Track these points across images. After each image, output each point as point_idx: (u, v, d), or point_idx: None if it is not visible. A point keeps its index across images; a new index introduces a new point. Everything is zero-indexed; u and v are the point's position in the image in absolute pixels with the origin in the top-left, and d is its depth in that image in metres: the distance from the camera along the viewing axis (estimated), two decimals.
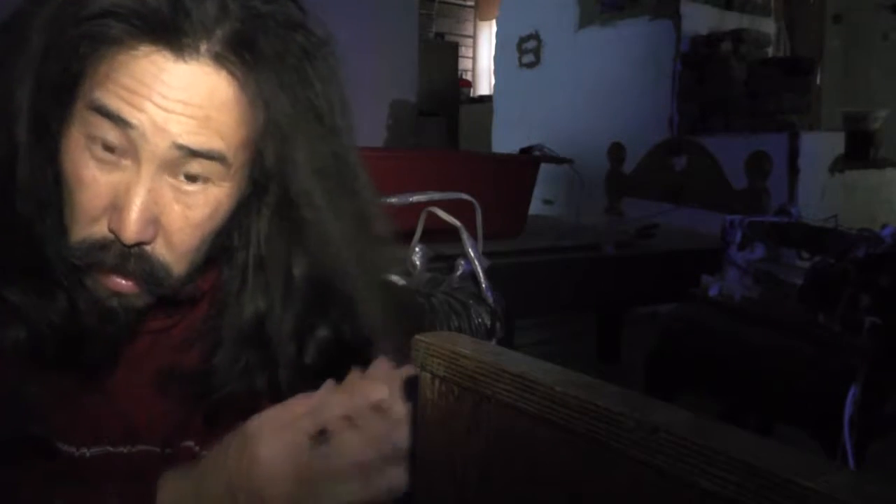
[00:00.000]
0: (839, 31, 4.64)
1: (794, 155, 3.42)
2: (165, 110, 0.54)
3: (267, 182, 0.61)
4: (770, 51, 4.14)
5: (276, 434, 0.52)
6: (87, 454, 0.60)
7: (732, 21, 4.11)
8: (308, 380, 0.61)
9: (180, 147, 0.55)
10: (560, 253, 2.14)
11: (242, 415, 0.59)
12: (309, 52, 0.59)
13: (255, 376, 0.62)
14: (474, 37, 8.79)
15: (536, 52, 4.90)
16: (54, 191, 0.57)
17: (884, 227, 1.51)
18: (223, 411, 0.62)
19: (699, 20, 4.02)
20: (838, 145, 3.60)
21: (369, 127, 3.56)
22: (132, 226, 0.54)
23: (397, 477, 0.54)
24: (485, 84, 8.17)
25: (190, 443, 0.64)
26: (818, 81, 3.83)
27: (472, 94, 7.94)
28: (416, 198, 1.21)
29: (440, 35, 8.18)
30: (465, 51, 8.45)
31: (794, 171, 3.42)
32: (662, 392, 1.72)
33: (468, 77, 8.49)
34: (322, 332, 0.63)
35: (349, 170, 0.65)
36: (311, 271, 0.62)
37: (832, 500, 0.31)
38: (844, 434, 1.29)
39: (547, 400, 0.42)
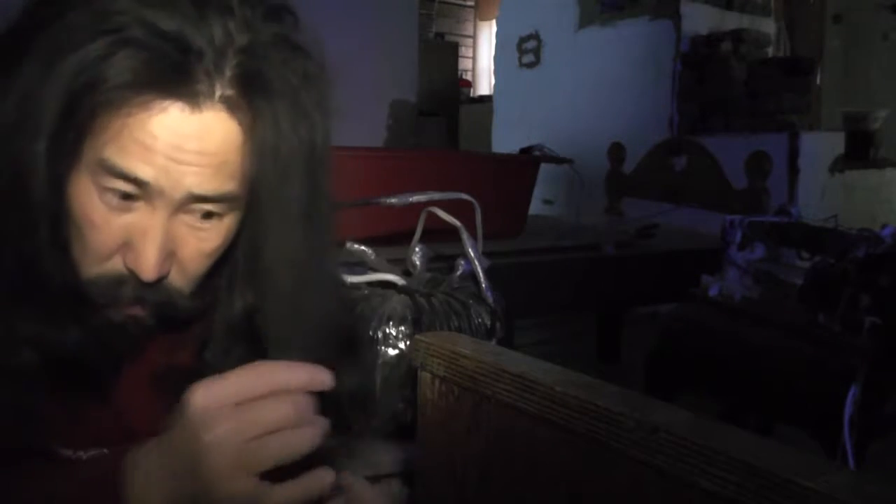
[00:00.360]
0: (839, 31, 4.64)
1: (794, 155, 3.42)
2: (180, 163, 0.54)
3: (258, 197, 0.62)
4: (770, 51, 4.14)
5: (218, 419, 0.51)
6: (84, 457, 0.60)
7: (732, 21, 4.11)
8: None
9: (196, 196, 0.56)
10: (560, 253, 2.13)
11: None
12: (309, 76, 0.59)
13: None
14: (474, 37, 8.79)
15: (536, 52, 4.90)
16: (63, 228, 0.56)
17: (884, 227, 1.51)
18: None
19: (699, 20, 4.02)
20: (838, 145, 3.60)
21: (369, 127, 3.56)
22: (152, 267, 0.55)
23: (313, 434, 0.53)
24: (485, 84, 8.17)
25: None
26: (818, 81, 3.83)
27: (472, 94, 7.94)
28: (416, 198, 1.21)
29: (440, 35, 8.18)
30: (465, 51, 8.45)
31: (794, 171, 3.42)
32: (662, 392, 1.72)
33: (468, 77, 8.49)
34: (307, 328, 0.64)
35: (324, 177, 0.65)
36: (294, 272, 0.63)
37: (832, 500, 0.31)
38: (844, 434, 1.29)
39: (547, 400, 0.42)
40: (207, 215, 0.58)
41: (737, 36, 3.91)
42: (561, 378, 0.44)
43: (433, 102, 6.06)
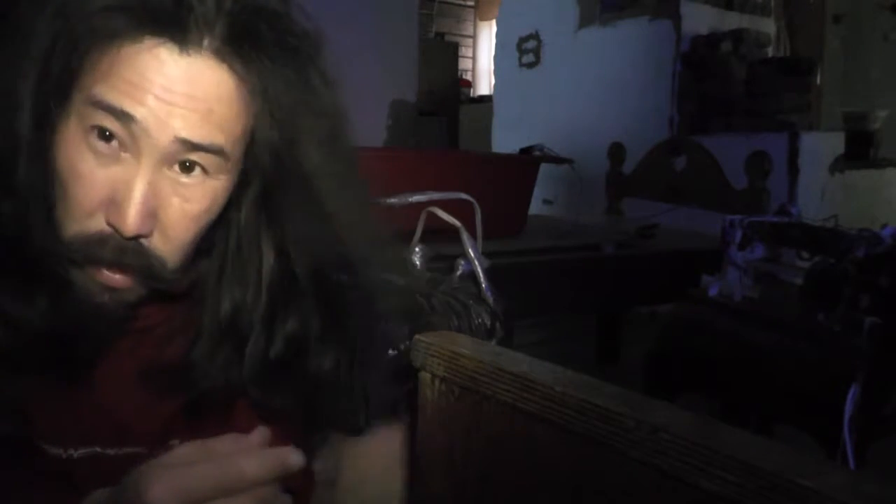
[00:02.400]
0: (839, 31, 4.64)
1: (794, 155, 3.42)
2: (168, 104, 0.54)
3: (252, 173, 0.61)
4: (770, 51, 4.14)
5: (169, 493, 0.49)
6: (75, 455, 0.59)
7: (732, 21, 4.11)
8: (275, 373, 0.62)
9: (182, 141, 0.55)
10: (560, 253, 2.13)
11: (222, 409, 0.59)
12: (303, 43, 0.60)
13: (233, 370, 0.62)
14: (474, 37, 8.79)
15: (536, 52, 4.90)
16: (45, 186, 0.56)
17: (884, 227, 1.51)
18: (204, 405, 0.62)
19: (699, 20, 4.02)
20: (838, 145, 3.60)
21: (369, 127, 3.56)
22: (132, 219, 0.54)
23: None
24: (485, 84, 8.17)
25: (175, 441, 0.63)
26: (818, 81, 3.83)
27: (472, 94, 7.94)
28: (416, 198, 1.21)
29: (440, 35, 8.18)
30: (465, 51, 8.45)
31: (794, 171, 3.42)
32: (662, 392, 1.72)
33: (468, 77, 8.49)
34: (291, 326, 0.63)
35: (350, 153, 0.65)
36: (284, 264, 0.62)
37: (832, 500, 0.31)
38: (844, 434, 1.29)
39: (547, 400, 0.42)
40: (193, 171, 0.57)
41: (737, 36, 3.92)
42: (561, 378, 0.44)
43: (433, 102, 6.06)
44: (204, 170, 0.57)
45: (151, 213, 0.56)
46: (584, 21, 4.54)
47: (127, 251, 0.56)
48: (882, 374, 1.36)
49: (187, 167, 0.57)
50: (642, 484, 0.39)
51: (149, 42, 0.53)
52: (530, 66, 4.95)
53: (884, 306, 1.38)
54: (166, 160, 0.56)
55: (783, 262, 1.68)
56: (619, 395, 0.42)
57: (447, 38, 8.20)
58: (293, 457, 0.51)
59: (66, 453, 0.59)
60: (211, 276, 0.64)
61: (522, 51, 5.00)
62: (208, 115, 0.55)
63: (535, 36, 4.90)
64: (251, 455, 0.51)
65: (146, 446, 0.61)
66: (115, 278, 0.57)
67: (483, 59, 8.42)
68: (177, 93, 0.54)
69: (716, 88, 3.86)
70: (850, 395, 1.31)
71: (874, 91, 4.47)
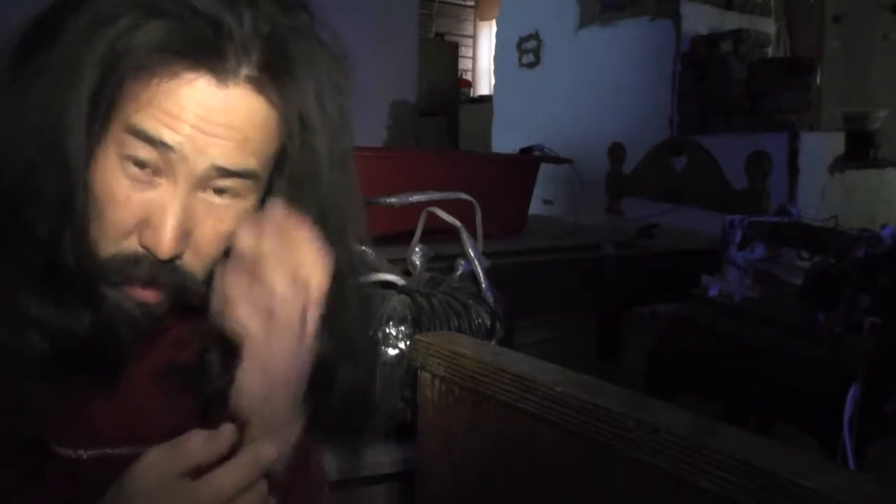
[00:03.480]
0: (839, 31, 4.64)
1: (794, 155, 3.42)
2: (206, 134, 0.55)
3: (275, 183, 0.63)
4: (770, 51, 4.14)
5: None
6: (84, 456, 0.60)
7: (732, 21, 4.11)
8: None
9: (218, 168, 0.56)
10: (560, 253, 2.13)
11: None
12: (329, 58, 0.61)
13: None
14: (474, 37, 8.79)
15: (536, 52, 4.90)
16: (82, 206, 0.56)
17: (884, 227, 1.51)
18: (218, 406, 0.62)
19: (699, 20, 4.02)
20: (838, 145, 3.60)
21: (369, 127, 3.56)
22: (168, 243, 0.56)
23: None
24: (485, 84, 8.17)
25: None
26: (818, 81, 3.83)
27: (472, 94, 7.94)
28: (416, 198, 1.21)
29: (440, 35, 8.18)
30: (465, 51, 8.45)
31: (794, 171, 3.42)
32: (662, 392, 1.72)
33: (468, 77, 8.49)
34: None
35: (350, 159, 0.66)
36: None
37: (832, 500, 0.31)
38: (844, 434, 1.29)
39: (547, 400, 0.42)
40: (226, 193, 0.58)
41: (737, 36, 3.92)
42: (561, 378, 0.44)
43: (433, 102, 6.06)
44: (236, 192, 0.59)
45: (185, 235, 0.57)
46: (584, 21, 4.54)
47: (161, 270, 0.57)
48: (882, 374, 1.36)
49: (220, 190, 0.58)
50: (642, 484, 0.39)
51: (188, 75, 0.54)
52: (530, 66, 4.96)
53: (884, 306, 1.38)
54: (201, 185, 0.57)
55: (783, 262, 1.68)
56: (619, 395, 0.42)
57: (447, 38, 8.20)
58: (265, 450, 0.52)
59: (76, 454, 0.60)
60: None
61: (522, 51, 5.00)
62: (244, 142, 0.57)
63: (535, 36, 4.90)
64: (227, 467, 0.51)
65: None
66: (148, 294, 0.58)
67: (483, 59, 8.42)
68: (214, 122, 0.55)
69: (716, 88, 3.86)
70: (850, 395, 1.31)
71: (874, 91, 4.47)
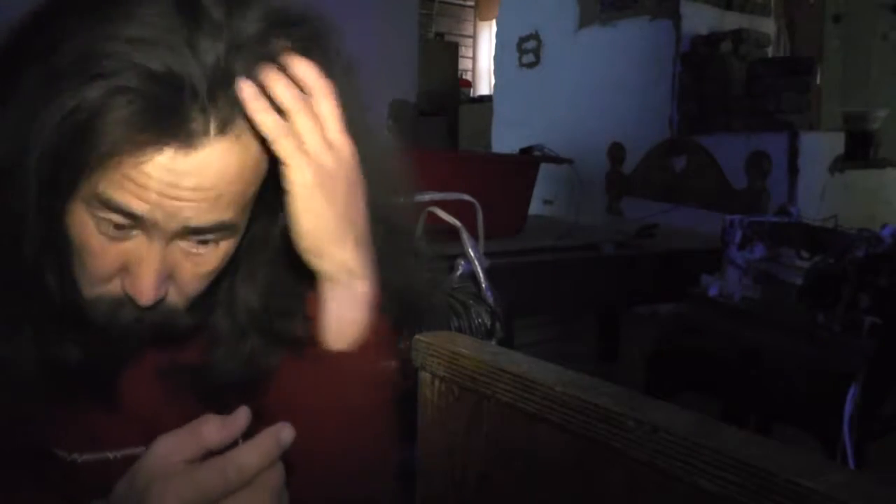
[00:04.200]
0: (839, 31, 4.64)
1: (793, 155, 3.42)
2: (176, 199, 0.54)
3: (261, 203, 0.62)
4: (770, 51, 4.14)
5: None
6: (79, 460, 0.60)
7: (732, 21, 4.11)
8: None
9: (191, 229, 0.56)
10: (560, 253, 2.13)
11: (245, 402, 0.60)
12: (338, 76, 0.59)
13: (260, 361, 0.63)
14: (474, 37, 8.79)
15: (536, 52, 4.90)
16: (61, 252, 0.57)
17: (884, 227, 1.51)
18: (222, 405, 0.62)
19: (699, 20, 4.02)
20: (838, 145, 3.60)
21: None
22: (148, 292, 0.56)
23: None
24: (485, 84, 8.17)
25: None
26: (818, 81, 3.83)
27: (472, 94, 7.94)
28: (416, 198, 1.21)
29: (440, 35, 8.18)
30: (465, 51, 8.45)
31: (793, 171, 3.42)
32: (662, 392, 1.72)
33: (468, 77, 8.49)
34: (298, 323, 0.64)
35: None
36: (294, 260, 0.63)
37: (832, 500, 0.31)
38: (844, 434, 1.29)
39: (547, 400, 0.42)
40: (204, 242, 0.58)
41: (737, 36, 3.92)
42: (561, 378, 0.44)
43: (433, 102, 6.05)
44: (214, 240, 0.58)
45: (166, 280, 0.57)
46: (584, 21, 4.54)
47: (145, 312, 0.58)
48: (882, 374, 1.36)
49: (198, 241, 0.58)
50: (642, 484, 0.39)
51: (153, 147, 0.52)
52: (530, 66, 4.95)
53: (884, 306, 1.38)
54: (177, 236, 0.57)
55: (783, 262, 1.68)
56: (619, 395, 0.42)
57: (447, 38, 8.20)
58: (286, 432, 0.52)
59: (71, 457, 0.60)
60: (225, 279, 0.64)
61: (522, 51, 5.00)
62: (217, 200, 0.55)
63: (535, 36, 4.90)
64: (248, 446, 0.51)
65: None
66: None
67: (483, 59, 8.42)
68: (184, 188, 0.53)
69: (716, 88, 3.86)
70: (850, 395, 1.31)
71: (874, 91, 4.47)
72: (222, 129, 0.53)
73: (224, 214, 0.56)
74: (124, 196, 0.53)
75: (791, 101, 3.66)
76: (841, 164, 3.57)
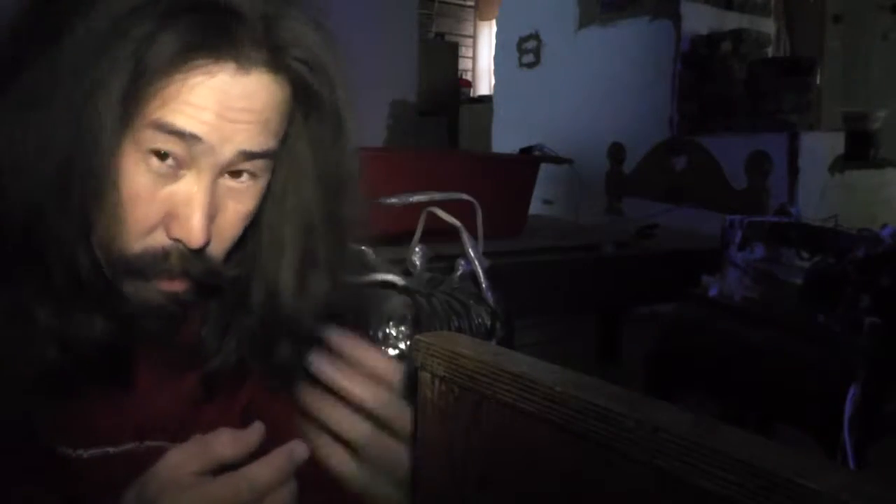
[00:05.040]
0: (839, 31, 4.64)
1: (794, 155, 3.42)
2: (230, 121, 0.56)
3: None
4: (770, 51, 4.14)
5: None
6: (85, 456, 0.60)
7: (732, 21, 4.11)
8: (276, 348, 0.63)
9: (243, 153, 0.57)
10: (560, 253, 2.13)
11: (238, 385, 0.60)
12: (327, 26, 0.62)
13: (247, 346, 0.64)
14: (474, 37, 8.79)
15: (536, 52, 4.90)
16: (111, 205, 0.56)
17: (884, 227, 1.51)
18: (218, 383, 0.62)
19: (699, 20, 4.02)
20: (838, 145, 3.60)
21: (369, 127, 3.56)
22: (199, 233, 0.56)
23: None
24: (485, 84, 8.17)
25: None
26: (818, 81, 3.83)
27: (472, 94, 7.94)
28: (416, 198, 1.21)
29: (440, 35, 8.18)
30: (465, 51, 8.44)
31: (794, 171, 3.42)
32: (662, 392, 1.72)
33: (468, 77, 8.48)
34: (288, 300, 0.64)
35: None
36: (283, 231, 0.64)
37: (832, 500, 0.31)
38: (844, 434, 1.29)
39: (547, 400, 0.42)
40: (245, 175, 0.59)
41: (737, 36, 3.92)
42: (561, 378, 0.44)
43: (433, 102, 6.05)
44: (254, 173, 0.60)
45: (212, 222, 0.58)
46: (584, 21, 4.54)
47: (191, 260, 0.58)
48: (882, 374, 1.36)
49: (238, 173, 0.59)
50: (642, 484, 0.39)
51: (210, 67, 0.55)
52: (530, 66, 4.95)
53: (884, 306, 1.38)
54: (222, 171, 0.58)
55: (783, 262, 1.68)
56: (619, 395, 0.42)
57: (447, 38, 8.20)
58: (299, 450, 0.52)
59: (76, 454, 0.60)
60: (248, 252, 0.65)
61: (522, 51, 5.00)
62: (266, 125, 0.58)
63: (535, 36, 4.90)
64: (261, 463, 0.51)
65: (169, 439, 0.62)
66: (176, 284, 0.59)
67: (483, 59, 8.42)
68: (237, 109, 0.56)
69: (716, 88, 3.86)
70: (850, 395, 1.31)
71: (874, 91, 4.47)
72: (269, 63, 0.57)
73: (271, 141, 0.59)
74: (183, 119, 0.54)
75: (791, 101, 3.66)
76: (841, 164, 3.57)
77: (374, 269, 1.16)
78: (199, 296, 0.61)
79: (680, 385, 1.75)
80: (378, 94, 3.65)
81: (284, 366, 0.65)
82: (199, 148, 0.55)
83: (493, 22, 5.99)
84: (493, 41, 5.45)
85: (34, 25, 0.56)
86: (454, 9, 8.57)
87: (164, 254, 0.57)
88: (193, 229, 0.56)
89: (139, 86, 0.53)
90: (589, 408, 0.40)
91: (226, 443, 0.51)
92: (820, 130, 3.75)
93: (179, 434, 0.62)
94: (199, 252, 0.58)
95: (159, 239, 0.57)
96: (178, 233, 0.57)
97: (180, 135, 0.54)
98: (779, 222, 1.69)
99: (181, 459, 0.51)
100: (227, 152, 0.56)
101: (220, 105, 0.55)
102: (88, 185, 0.54)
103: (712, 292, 1.73)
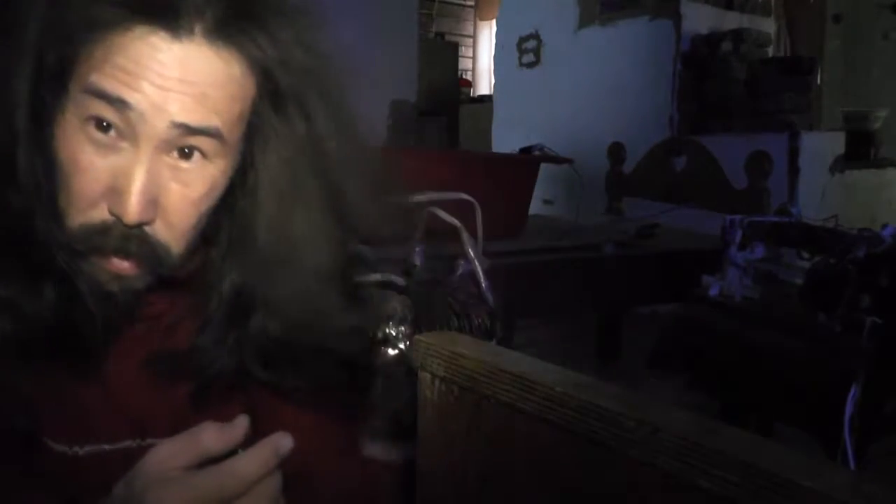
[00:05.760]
0: (839, 31, 4.64)
1: (794, 155, 3.42)
2: (163, 89, 0.55)
3: (254, 156, 0.62)
4: (770, 51, 4.14)
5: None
6: (80, 453, 0.60)
7: (732, 21, 4.11)
8: (278, 352, 0.63)
9: (178, 125, 0.56)
10: (560, 253, 2.13)
11: (232, 392, 0.60)
12: (295, 8, 0.60)
13: (244, 353, 0.63)
14: (474, 37, 8.79)
15: (536, 52, 4.90)
16: (47, 178, 0.56)
17: (884, 227, 1.51)
18: (213, 393, 0.62)
19: (699, 20, 4.03)
20: (838, 145, 3.60)
21: (369, 127, 3.55)
22: (134, 207, 0.55)
23: None
24: (485, 84, 8.17)
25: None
26: (818, 81, 3.83)
27: (472, 94, 7.94)
28: (416, 198, 1.21)
29: (440, 35, 8.18)
30: (465, 51, 8.45)
31: (794, 171, 3.42)
32: (662, 392, 1.72)
33: (468, 77, 8.49)
34: (288, 306, 0.64)
35: (353, 121, 0.66)
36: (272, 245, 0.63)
37: (832, 500, 0.31)
38: (844, 434, 1.29)
39: (547, 400, 0.42)
40: (190, 154, 0.58)
41: (737, 36, 3.92)
42: (561, 378, 0.44)
43: (433, 102, 6.05)
44: (203, 155, 0.58)
45: (153, 201, 0.56)
46: (584, 21, 4.54)
47: (131, 239, 0.57)
48: (882, 374, 1.36)
49: (186, 153, 0.58)
50: (642, 484, 0.39)
51: (141, 30, 0.54)
52: (530, 66, 4.95)
53: (884, 306, 1.38)
54: (164, 147, 0.56)
55: (783, 262, 1.68)
56: (619, 395, 0.42)
57: (447, 38, 8.20)
58: (284, 442, 0.52)
59: (72, 451, 0.59)
60: (216, 261, 0.64)
61: (522, 51, 5.00)
62: (203, 98, 0.56)
63: (535, 36, 4.90)
64: (247, 455, 0.51)
65: (157, 437, 0.61)
66: (123, 266, 0.58)
67: (483, 59, 8.42)
68: (171, 78, 0.55)
69: (716, 88, 3.87)
70: (850, 395, 1.31)
71: (874, 91, 4.47)
72: (208, 36, 0.55)
73: (210, 118, 0.57)
74: (114, 84, 0.54)
75: (791, 101, 3.66)
76: (841, 164, 3.57)
77: (374, 269, 1.16)
78: (161, 288, 0.61)
79: (680, 385, 1.74)
80: (378, 94, 3.65)
81: (285, 373, 0.64)
82: (132, 115, 0.54)
83: (493, 22, 5.99)
84: (493, 41, 5.45)
85: None
86: (454, 9, 8.57)
87: (104, 228, 0.56)
88: (128, 203, 0.55)
89: (73, 48, 0.53)
90: (589, 408, 0.40)
91: (212, 436, 0.51)
92: (820, 130, 3.75)
93: (177, 433, 0.61)
94: (140, 231, 0.57)
95: (101, 214, 0.56)
96: (115, 207, 0.56)
97: (109, 99, 0.54)
98: (779, 222, 1.69)
99: (168, 454, 0.51)
100: (161, 123, 0.55)
101: (150, 71, 0.54)
102: (30, 154, 0.54)
103: (713, 292, 1.73)
